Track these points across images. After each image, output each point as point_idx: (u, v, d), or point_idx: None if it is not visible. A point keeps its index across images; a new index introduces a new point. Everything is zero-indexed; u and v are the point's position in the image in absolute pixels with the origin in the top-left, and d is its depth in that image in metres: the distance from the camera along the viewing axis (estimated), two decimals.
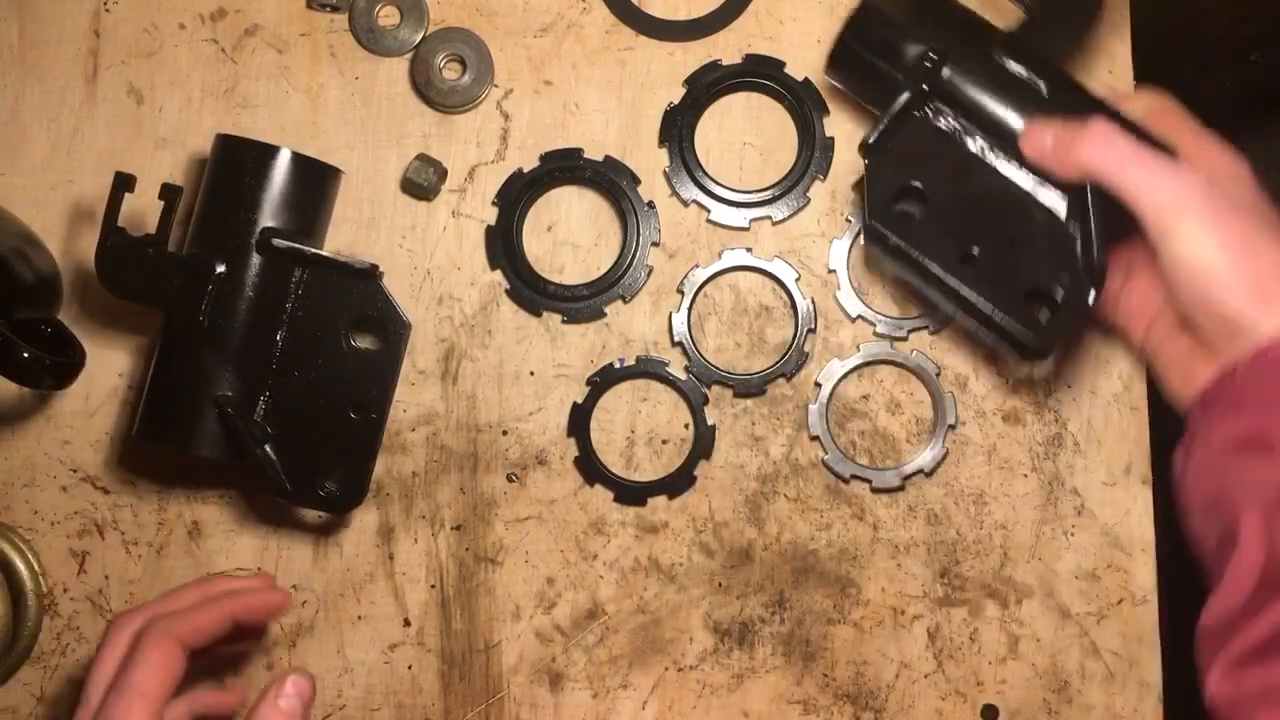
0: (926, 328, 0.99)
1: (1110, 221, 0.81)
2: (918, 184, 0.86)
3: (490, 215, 0.99)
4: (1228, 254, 0.73)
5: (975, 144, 0.87)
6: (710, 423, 0.98)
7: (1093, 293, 0.82)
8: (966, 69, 0.86)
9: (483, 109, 1.00)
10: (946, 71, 0.86)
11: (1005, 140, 0.85)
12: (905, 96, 0.87)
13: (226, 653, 0.94)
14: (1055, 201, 0.85)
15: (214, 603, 0.83)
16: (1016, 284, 0.84)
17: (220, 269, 0.88)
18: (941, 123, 0.87)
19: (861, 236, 0.95)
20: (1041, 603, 0.98)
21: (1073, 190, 0.83)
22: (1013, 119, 0.85)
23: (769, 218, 0.99)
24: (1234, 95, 0.97)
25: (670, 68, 1.00)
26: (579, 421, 0.98)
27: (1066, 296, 0.83)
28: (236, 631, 0.85)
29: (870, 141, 0.87)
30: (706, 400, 0.98)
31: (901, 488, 0.98)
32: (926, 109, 0.87)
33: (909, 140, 0.87)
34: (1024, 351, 0.84)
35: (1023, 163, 0.85)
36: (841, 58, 0.89)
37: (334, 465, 0.91)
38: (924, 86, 0.86)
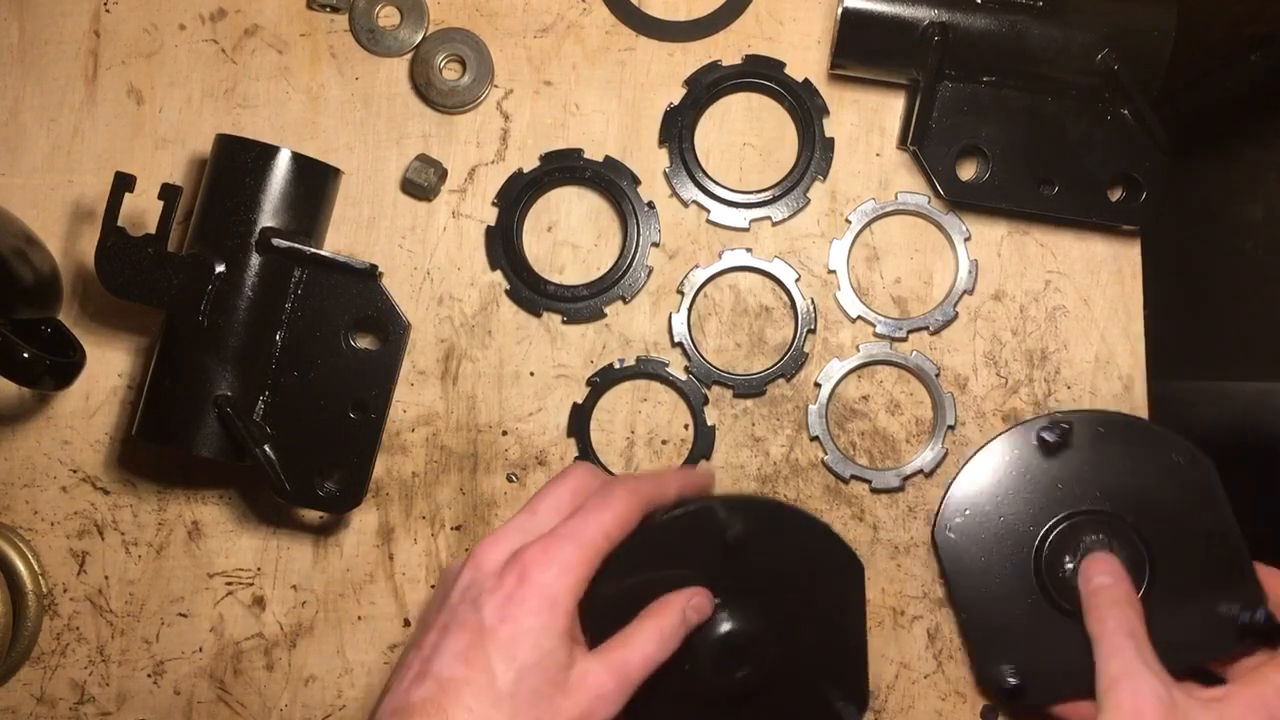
0: (926, 328, 0.99)
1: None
2: (972, 142, 0.94)
3: (490, 215, 0.99)
4: None
5: (1005, 82, 0.92)
6: (710, 423, 0.98)
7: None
8: (966, 23, 0.90)
9: (483, 109, 1.00)
10: (951, 35, 0.90)
11: (1029, 64, 0.91)
12: (924, 81, 0.90)
13: None
14: (1096, 97, 0.92)
15: (673, 477, 0.83)
16: (1096, 183, 0.93)
17: (220, 269, 0.88)
18: (964, 83, 0.92)
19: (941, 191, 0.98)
20: None
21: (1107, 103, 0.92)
22: (1028, 43, 0.91)
23: (769, 218, 0.99)
24: (1234, 96, 0.98)
25: (670, 68, 1.00)
26: (579, 422, 0.98)
27: (1146, 170, 0.92)
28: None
29: (910, 136, 0.93)
30: (706, 400, 0.98)
31: (901, 488, 0.98)
32: (946, 79, 0.92)
33: (945, 111, 0.93)
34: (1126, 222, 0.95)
35: (1054, 77, 0.91)
36: (852, 21, 0.92)
37: (334, 465, 0.91)
38: (936, 61, 0.90)
